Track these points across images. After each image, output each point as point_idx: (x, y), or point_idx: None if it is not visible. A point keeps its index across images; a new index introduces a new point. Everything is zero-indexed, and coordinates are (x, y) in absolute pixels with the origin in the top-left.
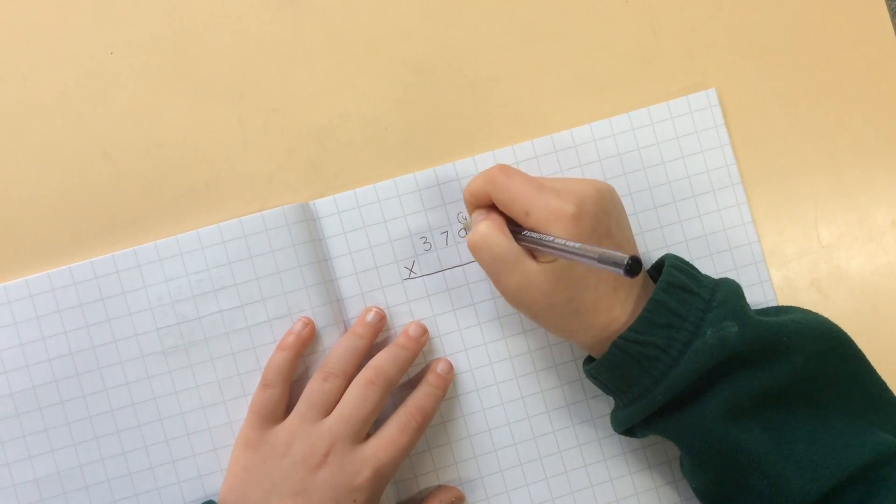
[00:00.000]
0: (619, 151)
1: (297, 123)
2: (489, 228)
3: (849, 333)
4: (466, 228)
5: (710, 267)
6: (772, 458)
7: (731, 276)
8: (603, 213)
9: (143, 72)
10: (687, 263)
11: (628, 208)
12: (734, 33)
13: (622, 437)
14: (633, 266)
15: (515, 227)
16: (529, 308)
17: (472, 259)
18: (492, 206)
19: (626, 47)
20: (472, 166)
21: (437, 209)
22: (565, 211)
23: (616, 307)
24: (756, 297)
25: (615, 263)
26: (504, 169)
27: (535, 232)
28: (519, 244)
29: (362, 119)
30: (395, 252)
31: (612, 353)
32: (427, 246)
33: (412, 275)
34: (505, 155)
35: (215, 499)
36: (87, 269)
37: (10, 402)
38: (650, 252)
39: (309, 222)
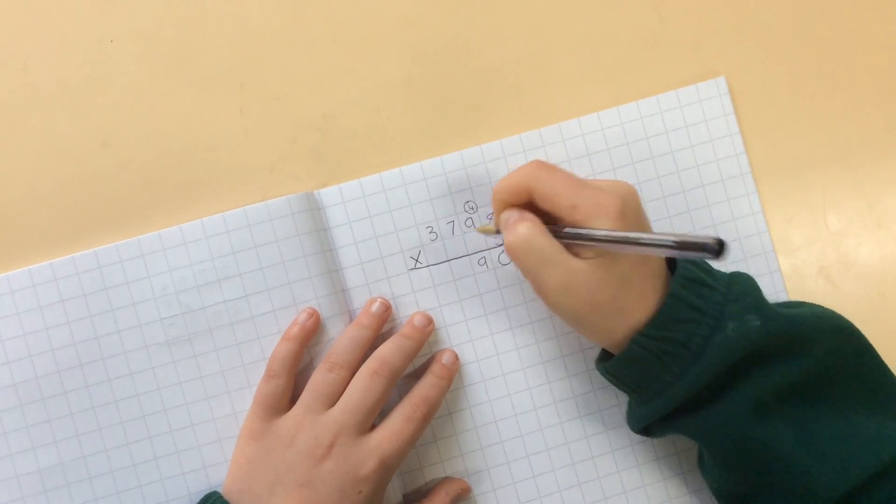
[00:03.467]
0: (628, 140)
1: (299, 112)
2: (530, 229)
3: (857, 322)
4: (486, 233)
5: None
6: (798, 455)
7: (741, 266)
8: (641, 212)
9: (144, 60)
10: None
11: None
12: (742, 20)
13: (628, 429)
14: (720, 247)
15: (549, 225)
16: (573, 309)
17: (478, 249)
18: (523, 207)
19: (632, 34)
20: (479, 155)
21: (444, 198)
22: (613, 206)
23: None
24: (766, 288)
25: (699, 247)
26: (543, 164)
27: (577, 227)
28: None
29: (365, 107)
30: (401, 242)
31: (631, 350)
32: (433, 236)
33: (418, 265)
34: (512, 144)
35: (220, 490)
36: (91, 259)
37: (13, 392)
38: None
39: (313, 212)
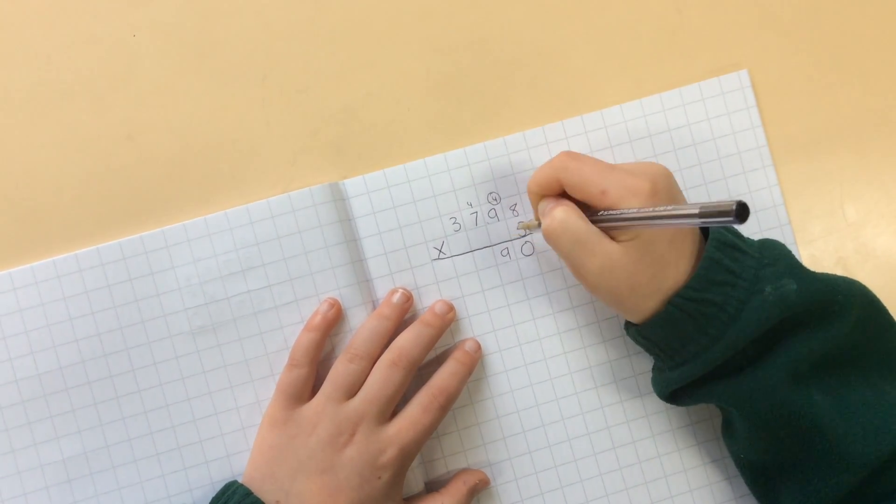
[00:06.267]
0: (650, 132)
1: (320, 105)
2: (566, 213)
3: None
4: (528, 228)
5: None
6: (834, 423)
7: None
8: (675, 190)
9: (167, 54)
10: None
11: None
12: (763, 13)
13: (651, 419)
14: (742, 211)
15: (588, 212)
16: (612, 291)
17: (501, 239)
18: (559, 195)
19: (652, 27)
20: (502, 147)
21: (467, 189)
22: (642, 187)
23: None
24: None
25: (720, 213)
26: (572, 154)
27: (612, 210)
28: (596, 227)
29: (385, 100)
30: (425, 232)
31: (668, 312)
32: (456, 226)
33: (441, 255)
34: (535, 135)
35: (240, 479)
36: (115, 250)
37: (38, 382)
38: None
39: (337, 202)
